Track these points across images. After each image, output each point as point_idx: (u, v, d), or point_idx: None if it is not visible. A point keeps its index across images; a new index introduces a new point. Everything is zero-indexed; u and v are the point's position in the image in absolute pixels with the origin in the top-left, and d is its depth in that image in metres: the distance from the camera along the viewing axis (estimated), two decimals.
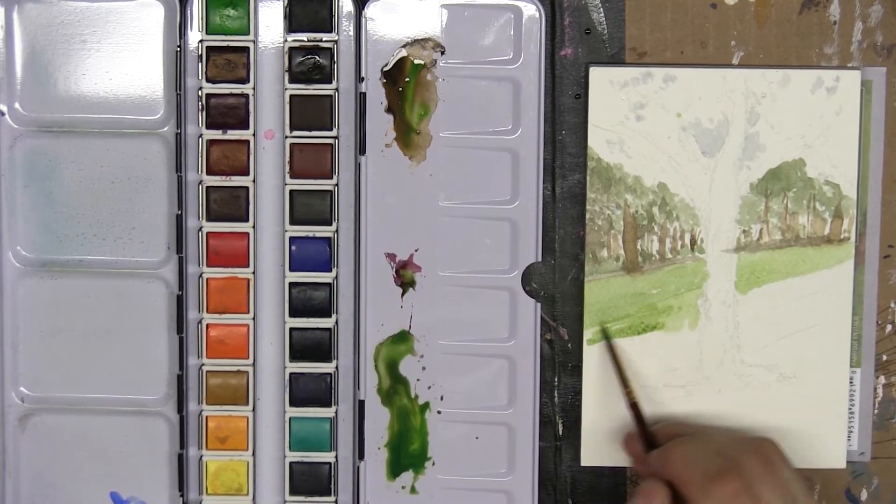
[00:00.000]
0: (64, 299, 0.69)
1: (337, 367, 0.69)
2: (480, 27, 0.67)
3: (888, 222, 0.68)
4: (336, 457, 0.69)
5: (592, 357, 0.68)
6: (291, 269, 0.68)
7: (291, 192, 0.68)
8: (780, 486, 0.59)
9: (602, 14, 0.67)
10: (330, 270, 0.68)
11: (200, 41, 0.67)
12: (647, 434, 0.65)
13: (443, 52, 0.67)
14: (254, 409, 0.69)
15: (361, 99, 0.67)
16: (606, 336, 0.67)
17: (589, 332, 0.68)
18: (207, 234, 0.68)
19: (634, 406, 0.66)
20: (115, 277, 0.68)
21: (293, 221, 0.68)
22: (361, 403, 0.69)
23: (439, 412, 0.69)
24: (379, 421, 0.69)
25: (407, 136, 0.67)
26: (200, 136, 0.67)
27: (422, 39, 0.67)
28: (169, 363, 0.69)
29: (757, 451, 0.61)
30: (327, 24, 0.67)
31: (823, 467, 0.68)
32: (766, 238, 0.68)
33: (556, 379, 0.69)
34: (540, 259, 0.68)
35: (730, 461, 0.59)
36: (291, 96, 0.67)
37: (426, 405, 0.69)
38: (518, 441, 0.68)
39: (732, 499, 0.58)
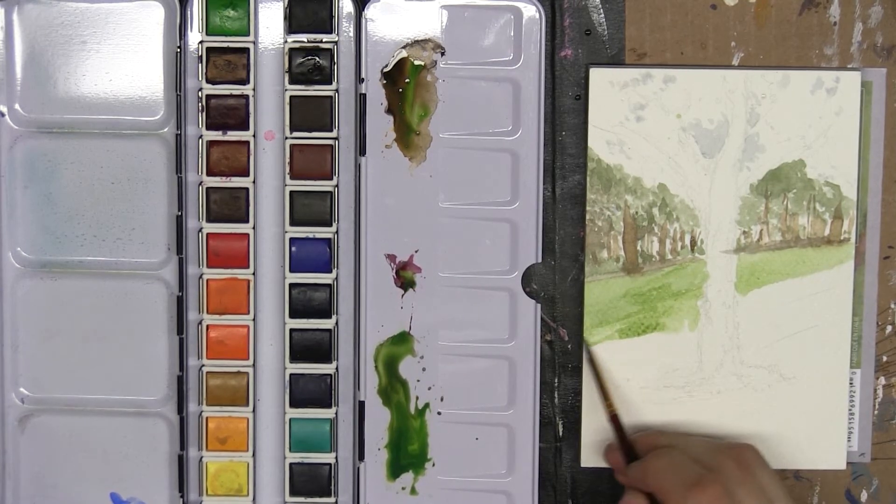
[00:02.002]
0: (64, 300, 0.69)
1: (337, 368, 0.69)
2: (480, 28, 0.67)
3: (888, 223, 0.68)
4: (336, 458, 0.69)
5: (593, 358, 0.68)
6: (291, 270, 0.68)
7: (291, 192, 0.68)
8: (757, 491, 0.60)
9: (602, 15, 0.67)
10: (330, 271, 0.68)
11: (200, 42, 0.67)
12: (626, 445, 0.65)
13: (443, 53, 0.67)
14: (254, 410, 0.69)
15: (361, 100, 0.67)
16: (586, 347, 0.67)
17: (589, 334, 0.68)
18: (207, 234, 0.68)
19: (614, 418, 0.66)
20: (114, 278, 0.68)
21: (293, 222, 0.68)
22: (361, 404, 0.69)
23: (439, 413, 0.69)
24: (379, 422, 0.69)
25: (407, 136, 0.67)
26: (200, 136, 0.67)
27: (422, 40, 0.67)
28: (169, 364, 0.69)
29: (734, 457, 0.61)
30: (327, 25, 0.67)
31: (823, 468, 0.68)
32: (766, 239, 0.68)
33: (556, 380, 0.69)
34: (540, 260, 0.68)
35: (708, 468, 0.60)
36: (291, 97, 0.67)
37: (426, 406, 0.69)
38: (518, 442, 0.68)
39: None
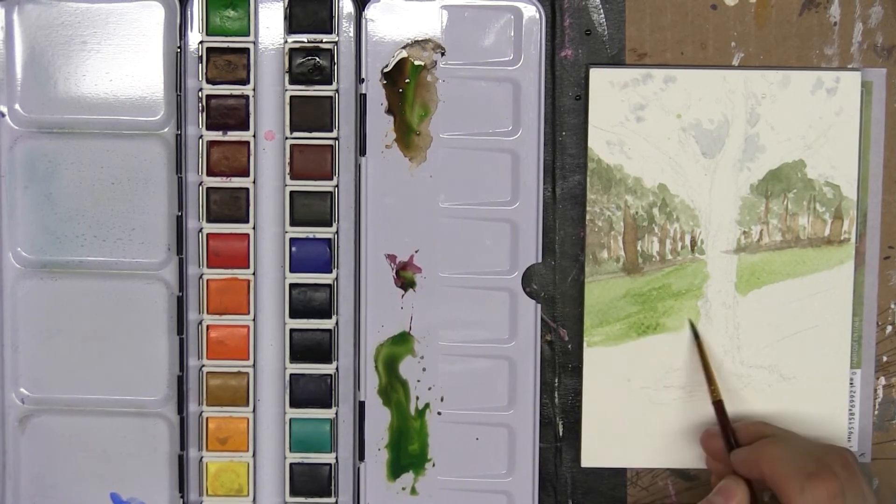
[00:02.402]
0: (64, 300, 0.69)
1: (337, 369, 0.69)
2: (480, 28, 0.67)
3: (888, 223, 0.68)
4: (336, 458, 0.69)
5: (593, 358, 0.68)
6: (291, 271, 0.68)
7: (291, 193, 0.68)
8: (861, 496, 0.61)
9: (602, 15, 0.67)
10: (330, 271, 0.68)
11: (200, 42, 0.67)
12: (729, 432, 0.65)
13: (443, 54, 0.67)
14: (254, 411, 0.69)
15: (361, 100, 0.67)
16: (695, 332, 0.67)
17: (589, 334, 0.68)
18: (207, 235, 0.68)
19: (718, 404, 0.66)
20: (115, 278, 0.68)
21: (293, 222, 0.68)
22: (362, 404, 0.69)
23: (439, 413, 0.69)
24: (379, 422, 0.69)
25: (407, 137, 0.67)
26: (200, 137, 0.67)
27: (422, 40, 0.67)
28: (169, 364, 0.69)
29: (841, 457, 0.62)
30: (327, 26, 0.67)
31: None
32: (767, 239, 0.68)
33: (556, 380, 0.69)
34: (540, 260, 0.68)
35: (824, 463, 0.61)
36: (291, 97, 0.67)
37: (426, 406, 0.69)
38: (518, 442, 0.68)
39: (829, 499, 0.59)
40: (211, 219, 0.68)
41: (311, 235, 0.68)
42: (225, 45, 0.67)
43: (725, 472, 0.64)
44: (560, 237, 0.68)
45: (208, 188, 0.68)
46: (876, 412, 0.69)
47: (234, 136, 0.68)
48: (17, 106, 0.68)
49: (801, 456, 0.61)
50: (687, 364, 0.68)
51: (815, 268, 0.68)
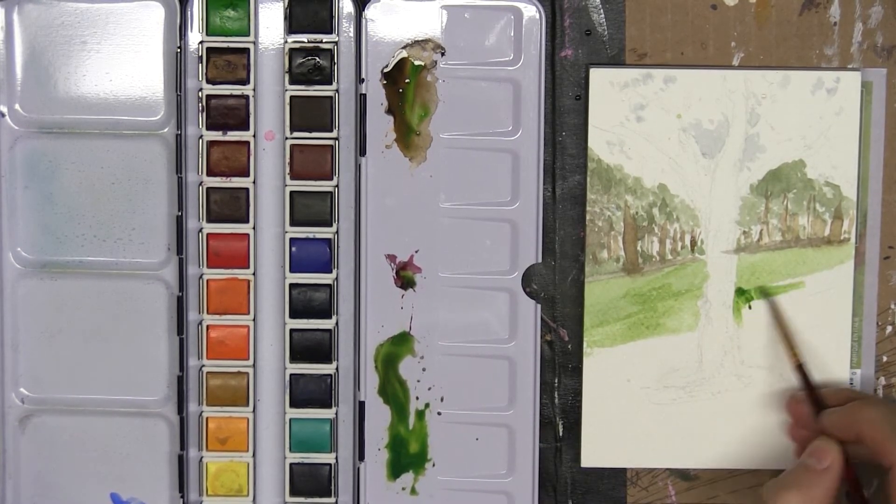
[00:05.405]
0: (64, 300, 0.69)
1: (337, 369, 0.69)
2: (481, 28, 0.67)
3: (888, 223, 0.68)
4: (336, 458, 0.69)
5: (593, 358, 0.68)
6: (291, 271, 0.68)
7: (291, 193, 0.68)
8: None
9: (602, 15, 0.67)
10: (330, 271, 0.68)
11: (200, 42, 0.67)
12: (815, 396, 0.65)
13: (443, 54, 0.67)
14: (254, 411, 0.69)
15: (361, 100, 0.67)
16: (768, 295, 0.67)
17: (589, 334, 0.68)
18: (207, 235, 0.68)
19: (800, 367, 0.66)
20: (115, 278, 0.68)
21: (293, 222, 0.68)
22: (362, 404, 0.69)
23: (439, 413, 0.69)
24: (379, 422, 0.69)
25: (407, 137, 0.67)
26: (200, 137, 0.68)
27: (422, 40, 0.67)
28: (169, 364, 0.69)
29: None
30: (327, 26, 0.67)
31: None
32: (766, 239, 0.68)
33: (556, 380, 0.69)
34: (540, 260, 0.68)
35: None
36: (292, 97, 0.67)
37: (426, 406, 0.69)
38: (518, 442, 0.68)
39: None
40: (211, 219, 0.68)
41: (311, 235, 0.68)
42: (225, 45, 0.67)
43: (810, 439, 0.63)
44: (560, 237, 0.68)
45: (208, 188, 0.68)
46: None
47: (234, 136, 0.68)
48: (17, 106, 0.68)
49: None
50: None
51: (815, 268, 0.68)
